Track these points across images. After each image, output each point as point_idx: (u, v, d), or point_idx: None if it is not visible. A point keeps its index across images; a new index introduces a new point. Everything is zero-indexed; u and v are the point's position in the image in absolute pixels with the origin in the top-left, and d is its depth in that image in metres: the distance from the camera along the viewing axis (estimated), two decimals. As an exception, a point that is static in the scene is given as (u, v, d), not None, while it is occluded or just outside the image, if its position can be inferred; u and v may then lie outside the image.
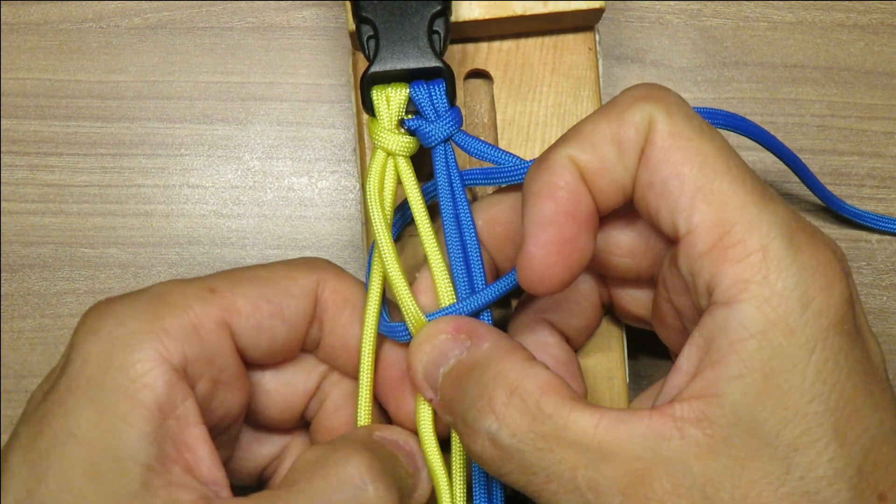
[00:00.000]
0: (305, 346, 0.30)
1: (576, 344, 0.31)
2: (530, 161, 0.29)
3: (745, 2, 0.38)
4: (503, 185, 0.30)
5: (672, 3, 0.38)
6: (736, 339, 0.23)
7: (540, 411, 0.24)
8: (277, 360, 0.29)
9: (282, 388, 0.30)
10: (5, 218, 0.36)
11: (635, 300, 0.30)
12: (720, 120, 0.30)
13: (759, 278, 0.23)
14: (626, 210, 0.28)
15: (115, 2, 0.37)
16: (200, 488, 0.25)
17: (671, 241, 0.25)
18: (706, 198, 0.24)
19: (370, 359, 0.29)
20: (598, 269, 0.29)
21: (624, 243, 0.28)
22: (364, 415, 0.29)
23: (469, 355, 0.26)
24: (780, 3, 0.38)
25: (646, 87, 0.26)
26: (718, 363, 0.23)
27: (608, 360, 0.32)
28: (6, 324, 0.36)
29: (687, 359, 0.25)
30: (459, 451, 0.29)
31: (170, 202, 0.37)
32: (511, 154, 0.29)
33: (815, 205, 0.37)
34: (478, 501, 0.29)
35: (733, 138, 0.37)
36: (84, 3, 0.37)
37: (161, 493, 0.25)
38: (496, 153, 0.29)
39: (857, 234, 0.37)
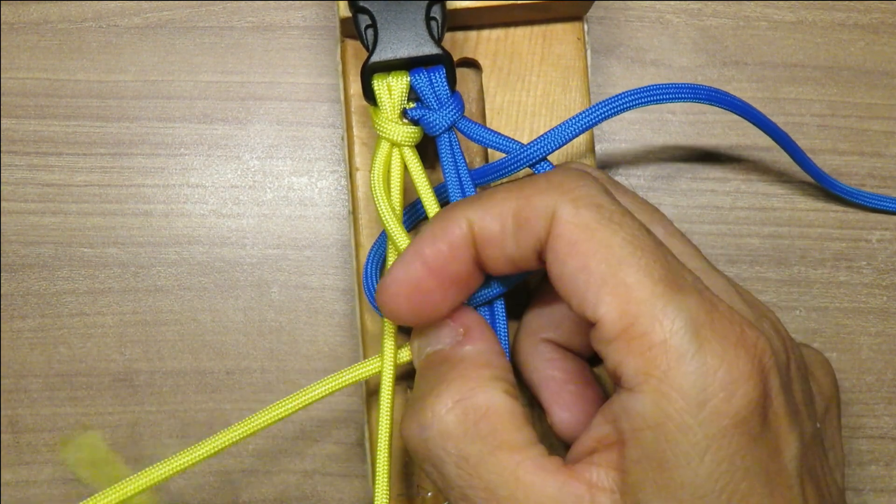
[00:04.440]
0: None
1: (583, 356, 0.31)
2: (529, 146, 0.29)
3: (745, 1, 0.38)
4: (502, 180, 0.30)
5: (672, 2, 0.38)
6: (636, 426, 0.24)
7: (475, 430, 0.25)
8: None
9: None
10: (5, 218, 0.36)
11: None
12: (702, 95, 0.30)
13: (658, 373, 0.23)
14: None
15: (114, 1, 0.37)
16: None
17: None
18: (611, 290, 0.24)
19: (392, 350, 0.29)
20: None
21: None
22: (386, 407, 0.29)
23: (451, 349, 0.27)
24: (781, 2, 0.38)
25: (564, 173, 0.26)
26: (623, 444, 0.24)
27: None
28: (6, 324, 0.36)
29: (598, 427, 0.25)
30: None
31: (169, 202, 0.37)
32: (515, 140, 0.29)
33: (814, 196, 0.37)
34: None
35: (735, 138, 0.37)
36: (84, 2, 0.37)
37: None
38: (500, 139, 0.29)
39: (857, 234, 0.37)
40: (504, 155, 0.30)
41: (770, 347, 0.24)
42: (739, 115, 0.32)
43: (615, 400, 0.24)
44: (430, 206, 0.29)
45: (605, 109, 0.29)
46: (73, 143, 0.37)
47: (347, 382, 0.31)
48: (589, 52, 0.33)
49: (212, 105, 0.37)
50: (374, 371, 0.30)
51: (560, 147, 0.29)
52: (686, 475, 0.23)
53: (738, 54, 0.38)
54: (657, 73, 0.37)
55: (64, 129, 0.37)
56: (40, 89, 0.37)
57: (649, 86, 0.29)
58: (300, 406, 0.30)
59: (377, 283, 0.31)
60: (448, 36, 0.33)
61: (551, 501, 0.24)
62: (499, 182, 0.31)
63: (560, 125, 0.29)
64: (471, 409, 0.25)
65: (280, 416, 0.30)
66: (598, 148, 0.37)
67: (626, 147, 0.37)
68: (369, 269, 0.31)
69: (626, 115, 0.37)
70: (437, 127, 0.29)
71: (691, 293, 0.24)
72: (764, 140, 0.37)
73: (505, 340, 0.29)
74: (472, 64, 0.33)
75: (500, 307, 0.29)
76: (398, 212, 0.29)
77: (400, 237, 0.28)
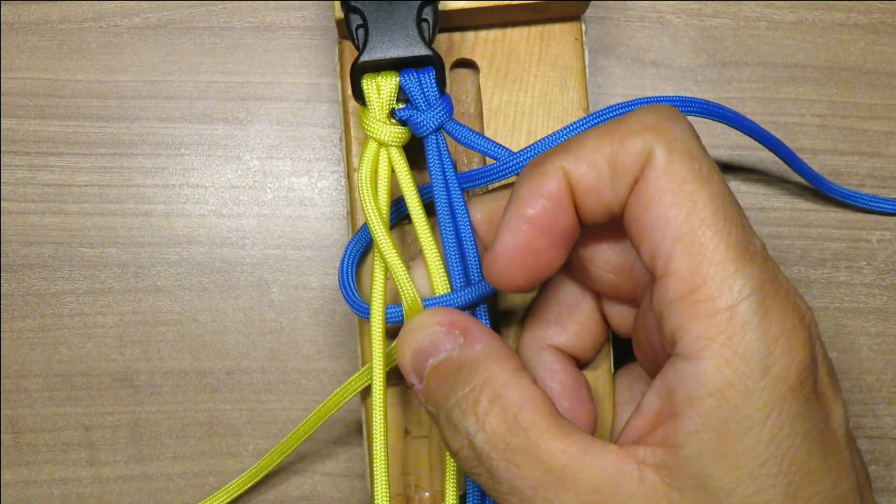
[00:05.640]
0: None
1: (585, 360, 0.31)
2: (519, 154, 0.29)
3: (746, 1, 0.38)
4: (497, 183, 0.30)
5: (672, 2, 0.38)
6: (695, 395, 0.24)
7: (516, 423, 0.25)
8: None
9: None
10: (5, 218, 0.36)
11: (620, 316, 0.30)
12: (694, 108, 0.30)
13: (722, 338, 0.23)
14: (618, 226, 0.28)
15: (114, 1, 0.37)
16: None
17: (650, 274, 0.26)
18: (686, 247, 0.24)
19: (381, 349, 0.29)
20: (584, 280, 0.30)
21: (612, 259, 0.28)
22: (379, 402, 0.29)
23: (460, 354, 0.27)
24: (781, 2, 0.38)
25: (656, 113, 0.26)
26: (677, 416, 0.24)
27: (595, 364, 0.32)
28: (6, 324, 0.36)
29: (649, 404, 0.25)
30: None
31: (170, 202, 0.37)
32: (502, 146, 0.29)
33: (813, 196, 0.37)
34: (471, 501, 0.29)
35: (735, 138, 0.37)
36: (84, 2, 0.37)
37: None
38: (487, 144, 0.29)
39: (857, 234, 0.37)
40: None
41: (813, 318, 0.25)
42: (731, 126, 0.32)
43: (669, 371, 0.24)
44: (414, 206, 0.29)
45: (595, 121, 0.29)
46: (73, 143, 0.37)
47: (344, 400, 0.32)
48: (587, 52, 0.33)
49: (212, 105, 0.37)
50: (364, 384, 0.31)
51: None
52: (749, 441, 0.23)
53: (738, 54, 0.38)
54: (657, 73, 0.37)
55: (64, 129, 0.37)
56: (40, 89, 0.37)
57: (640, 98, 0.29)
58: (298, 442, 0.33)
59: (353, 280, 0.31)
60: (445, 36, 0.33)
61: (599, 482, 0.24)
62: (484, 188, 0.32)
63: (550, 136, 0.29)
64: (508, 406, 0.25)
65: (276, 461, 0.34)
66: (597, 148, 0.37)
67: (626, 147, 0.37)
68: (345, 266, 0.31)
69: (626, 115, 0.37)
70: (425, 128, 0.29)
71: (759, 261, 0.24)
72: (764, 140, 0.37)
73: None
74: (469, 64, 0.33)
75: (482, 311, 0.29)
76: (384, 212, 0.29)
77: (383, 239, 0.29)
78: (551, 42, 0.33)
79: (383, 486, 0.29)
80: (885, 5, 0.38)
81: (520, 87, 0.33)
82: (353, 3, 0.29)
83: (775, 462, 0.23)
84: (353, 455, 0.36)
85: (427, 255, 0.29)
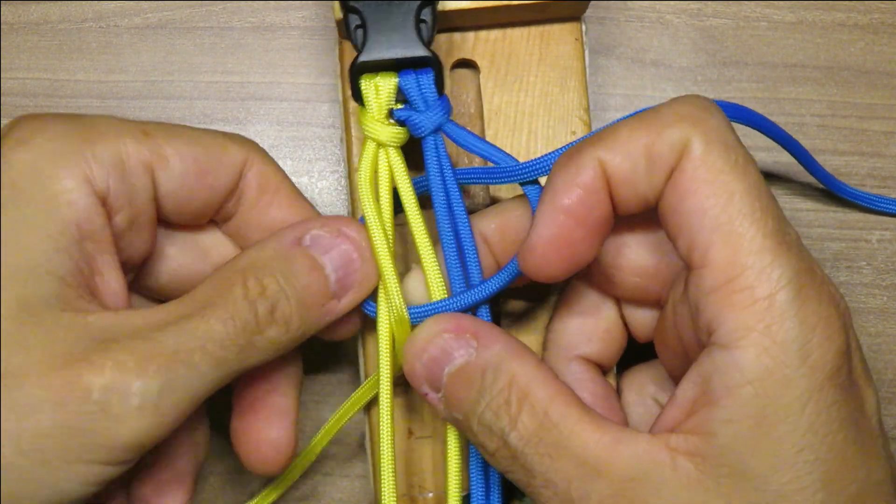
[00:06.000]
0: (217, 218, 0.30)
1: (609, 367, 0.31)
2: (522, 163, 0.29)
3: (746, 2, 0.38)
4: (509, 188, 0.30)
5: (672, 3, 0.38)
6: (732, 383, 0.24)
7: (547, 418, 0.25)
8: (187, 222, 0.29)
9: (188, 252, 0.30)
10: (5, 218, 0.36)
11: (640, 320, 0.30)
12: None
13: (761, 327, 0.23)
14: (642, 229, 0.28)
15: (114, 1, 0.37)
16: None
17: (686, 265, 0.26)
18: (724, 237, 0.24)
19: (388, 351, 0.29)
20: (607, 287, 0.30)
21: (636, 262, 0.29)
22: (387, 411, 0.29)
23: (479, 357, 0.27)
24: (781, 3, 0.38)
25: (691, 104, 0.26)
26: (713, 404, 0.24)
27: None
28: (6, 324, 0.36)
29: (683, 394, 0.25)
30: (455, 441, 0.29)
31: (170, 202, 0.37)
32: (498, 149, 0.29)
33: (813, 196, 0.37)
34: (474, 494, 0.29)
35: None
36: (84, 2, 0.37)
37: (74, 305, 0.25)
38: (484, 146, 0.29)
39: (858, 234, 0.37)
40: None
41: (847, 307, 0.25)
42: (744, 124, 0.32)
43: (705, 361, 0.24)
44: (411, 207, 0.29)
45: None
46: (73, 143, 0.37)
47: (354, 410, 0.32)
48: (587, 52, 0.33)
49: (212, 105, 0.37)
50: (372, 393, 0.31)
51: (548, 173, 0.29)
52: (786, 429, 0.23)
53: (738, 54, 0.38)
54: (657, 73, 0.37)
55: (64, 129, 0.37)
56: (40, 89, 0.37)
57: (640, 111, 0.29)
58: (309, 462, 0.33)
59: None
60: (445, 37, 0.33)
61: (632, 471, 0.24)
62: (485, 188, 0.31)
63: (554, 152, 0.28)
64: (536, 402, 0.25)
65: (286, 484, 0.33)
66: (598, 148, 0.37)
67: (626, 147, 0.37)
68: None
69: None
70: (423, 128, 0.29)
71: (795, 251, 0.24)
72: (764, 140, 0.37)
73: None
74: (469, 65, 0.33)
75: (484, 312, 0.29)
76: (386, 212, 0.29)
77: (379, 242, 0.29)
78: (551, 42, 0.33)
79: (390, 489, 0.29)
80: (885, 5, 0.38)
81: (520, 88, 0.33)
82: (352, 4, 0.29)
83: (812, 449, 0.23)
84: (354, 455, 0.36)
85: (424, 260, 0.29)
